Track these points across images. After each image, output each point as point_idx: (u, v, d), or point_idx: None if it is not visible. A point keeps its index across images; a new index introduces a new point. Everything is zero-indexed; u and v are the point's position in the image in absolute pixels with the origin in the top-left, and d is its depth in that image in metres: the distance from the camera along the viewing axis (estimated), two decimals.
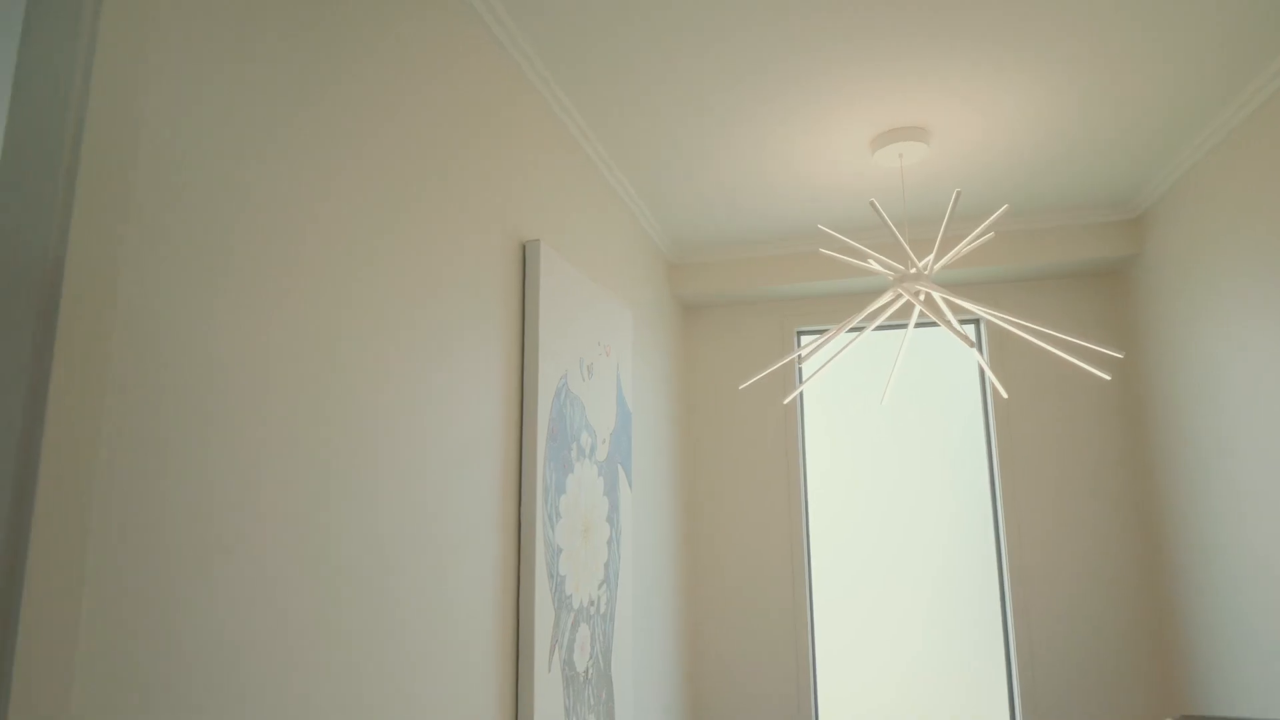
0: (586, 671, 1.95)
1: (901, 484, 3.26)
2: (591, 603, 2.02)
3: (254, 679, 0.91)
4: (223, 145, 0.92)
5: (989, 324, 3.13)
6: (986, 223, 2.05)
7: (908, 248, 2.12)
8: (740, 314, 3.56)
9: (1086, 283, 3.08)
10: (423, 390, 1.35)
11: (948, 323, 2.18)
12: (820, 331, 3.53)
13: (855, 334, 3.41)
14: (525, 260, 1.81)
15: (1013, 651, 2.93)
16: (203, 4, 0.90)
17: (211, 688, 0.85)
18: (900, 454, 3.29)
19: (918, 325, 3.30)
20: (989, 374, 2.26)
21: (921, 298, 2.12)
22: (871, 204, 2.00)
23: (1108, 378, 2.36)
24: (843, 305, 3.44)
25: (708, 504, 3.40)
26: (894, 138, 2.30)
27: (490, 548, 1.57)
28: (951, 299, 2.08)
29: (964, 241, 2.13)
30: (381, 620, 1.18)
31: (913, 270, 2.17)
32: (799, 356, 2.10)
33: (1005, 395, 2.31)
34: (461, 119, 1.56)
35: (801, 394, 3.50)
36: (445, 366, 1.43)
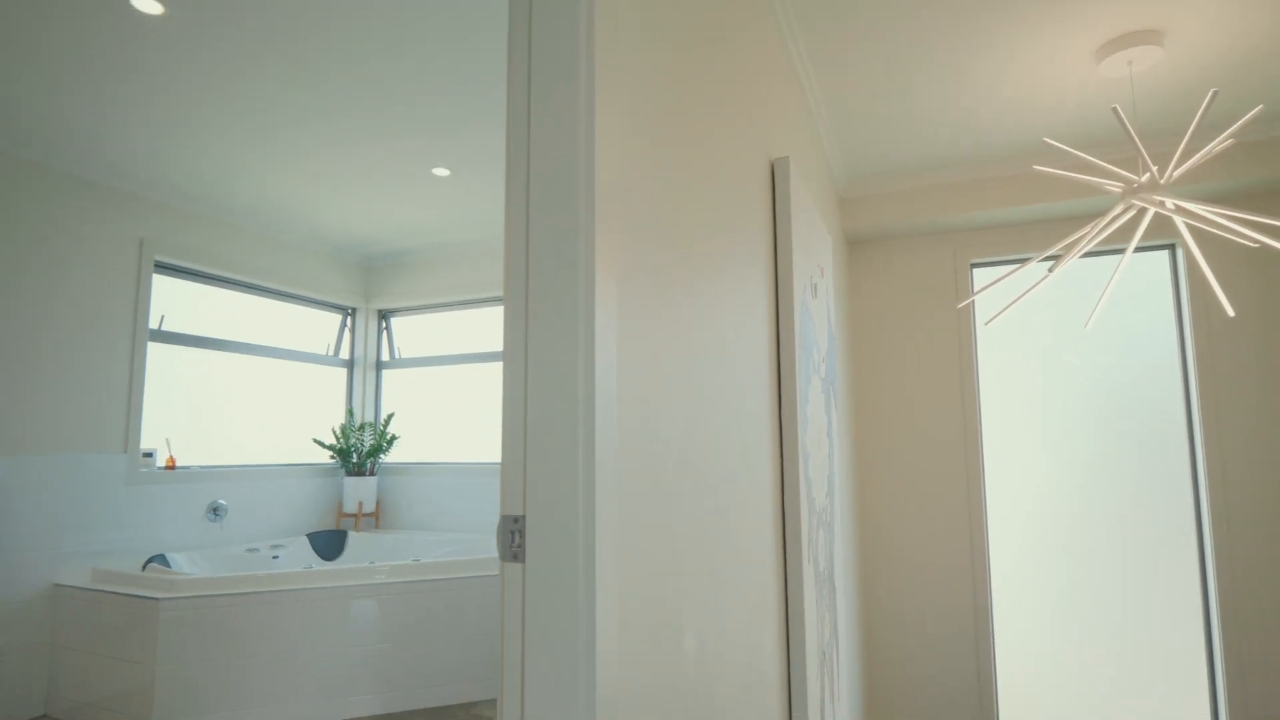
0: (822, 572, 2.06)
1: (1083, 421, 3.18)
2: (823, 509, 2.11)
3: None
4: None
5: (1208, 240, 2.97)
6: (1239, 123, 1.95)
7: (1146, 156, 2.05)
8: (908, 248, 3.52)
9: None
10: (726, 285, 1.44)
11: (1184, 240, 2.10)
12: (999, 263, 3.44)
13: (1048, 263, 3.30)
14: (774, 176, 1.87)
15: (1213, 607, 2.84)
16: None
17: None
18: (1082, 386, 3.20)
19: (1111, 251, 3.17)
20: (1217, 289, 2.17)
21: (1168, 208, 2.05)
22: (1114, 110, 1.94)
23: None
24: (1020, 235, 3.34)
25: (875, 444, 3.43)
26: (1124, 44, 2.20)
27: (766, 445, 1.67)
28: (1201, 208, 2.01)
29: (1214, 142, 2.03)
30: (716, 512, 1.30)
31: (1145, 178, 2.10)
32: (1050, 268, 2.08)
33: (1231, 313, 2.22)
34: (721, 44, 1.62)
35: (975, 330, 3.44)
36: (738, 262, 1.52)
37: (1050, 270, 1.95)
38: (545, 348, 0.83)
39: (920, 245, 3.50)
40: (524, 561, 0.81)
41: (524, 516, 0.81)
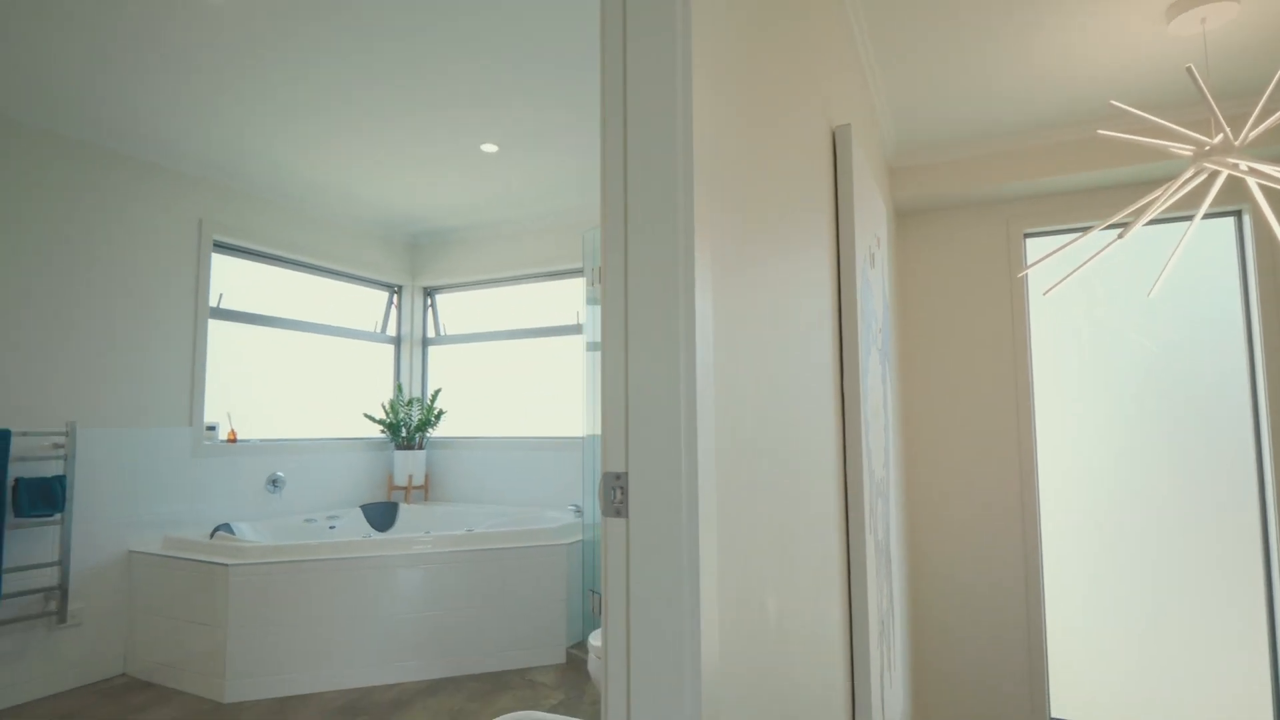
0: (881, 542, 2.07)
1: (1139, 394, 3.11)
2: (881, 480, 2.12)
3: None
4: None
5: None
6: None
7: (1220, 117, 1.98)
8: (958, 219, 3.45)
9: None
10: (794, 254, 1.44)
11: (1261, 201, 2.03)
12: (1055, 233, 3.36)
13: (1111, 231, 3.22)
14: (836, 144, 1.86)
15: (1276, 590, 2.78)
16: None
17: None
18: (1138, 358, 3.13)
19: (1174, 218, 3.08)
20: None
21: (1242, 170, 1.99)
22: (1188, 70, 1.87)
23: None
24: (1078, 203, 3.25)
25: (924, 418, 3.40)
26: (1197, 0, 2.12)
27: (830, 415, 1.68)
28: (1277, 170, 1.94)
29: None
30: (789, 479, 1.31)
31: (1218, 140, 2.03)
32: (1119, 234, 2.03)
33: None
34: (785, 8, 1.60)
35: (1028, 302, 3.38)
36: (804, 231, 1.52)
37: (1120, 236, 1.90)
38: (646, 311, 0.84)
39: (971, 216, 3.44)
40: (627, 517, 0.84)
41: (626, 473, 0.84)
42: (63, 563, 3.01)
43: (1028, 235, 3.43)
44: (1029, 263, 3.40)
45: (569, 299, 4.62)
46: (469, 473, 4.68)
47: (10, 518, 2.90)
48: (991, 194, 3.27)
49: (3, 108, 2.94)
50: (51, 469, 3.05)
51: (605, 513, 0.85)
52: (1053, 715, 3.21)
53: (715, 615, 0.84)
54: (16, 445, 2.95)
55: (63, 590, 3.01)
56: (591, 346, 3.88)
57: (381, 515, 4.36)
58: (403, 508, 4.46)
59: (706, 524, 0.81)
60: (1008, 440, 3.24)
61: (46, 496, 2.93)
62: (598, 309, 3.89)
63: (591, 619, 3.54)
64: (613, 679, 0.83)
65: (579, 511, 4.14)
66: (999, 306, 3.34)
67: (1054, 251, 2.23)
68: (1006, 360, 3.30)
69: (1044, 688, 3.07)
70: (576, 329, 4.52)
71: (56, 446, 3.07)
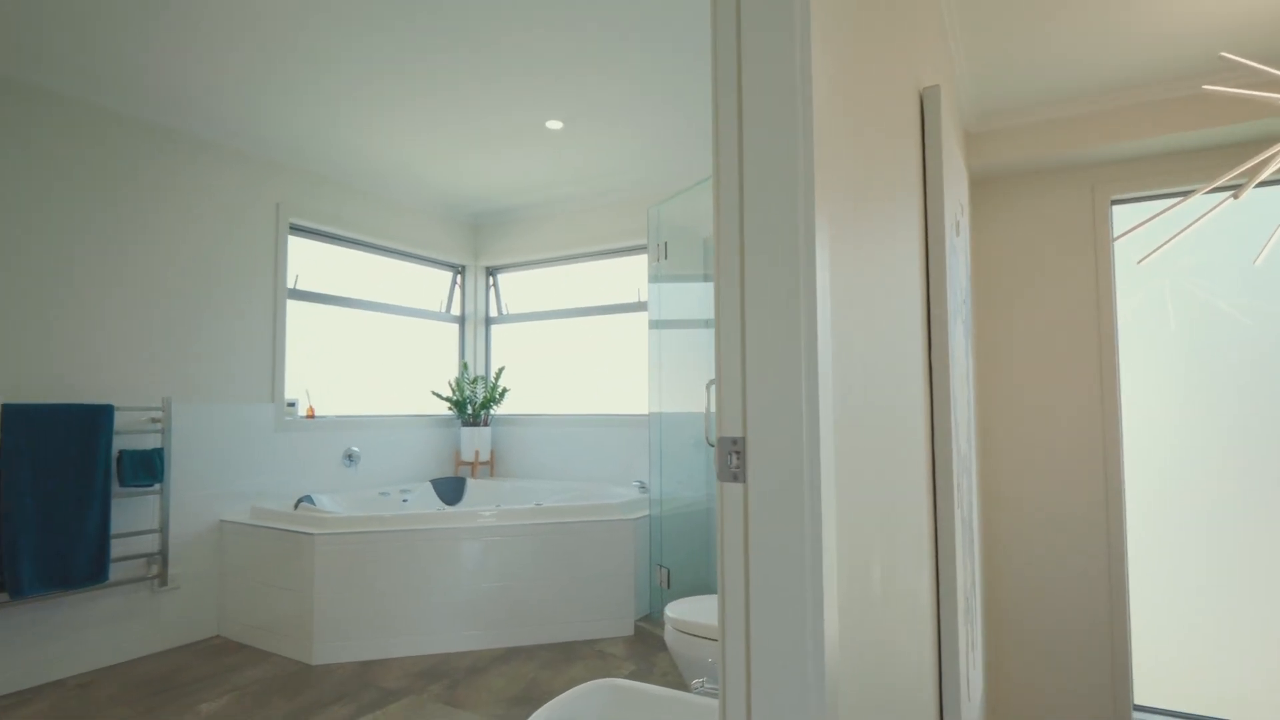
0: (965, 518, 2.02)
1: (1237, 372, 2.93)
2: (965, 455, 2.06)
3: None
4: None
5: None
6: None
7: None
8: (1038, 186, 3.30)
9: None
10: (888, 219, 1.40)
11: None
12: (1147, 198, 3.18)
13: (1213, 196, 3.03)
14: (923, 105, 1.79)
15: None
16: None
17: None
18: (1237, 333, 2.94)
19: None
20: None
21: None
22: None
23: None
24: (1172, 166, 3.06)
25: (999, 394, 3.29)
26: None
27: (919, 385, 1.64)
28: None
29: None
30: (889, 448, 1.28)
31: None
32: (1234, 194, 1.91)
33: None
34: None
35: (1114, 272, 3.21)
36: (896, 196, 1.47)
37: (1235, 196, 1.78)
38: (764, 273, 0.83)
39: (1052, 183, 3.28)
40: (745, 481, 0.83)
41: (744, 438, 0.83)
42: (163, 530, 3.19)
43: (1115, 202, 3.25)
44: (1117, 232, 3.24)
45: (631, 276, 4.61)
46: (533, 449, 4.76)
47: (116, 487, 3.08)
48: (1076, 158, 3.11)
49: (102, 99, 3.08)
50: (150, 442, 3.22)
51: (721, 477, 0.85)
52: (1136, 703, 3.10)
53: (835, 582, 0.83)
54: (118, 419, 3.12)
55: (163, 556, 3.19)
56: (655, 324, 3.87)
57: (450, 489, 4.47)
58: (470, 482, 4.56)
59: (828, 490, 0.80)
60: (1090, 419, 3.11)
61: (147, 467, 3.10)
62: (660, 286, 3.88)
63: (660, 592, 3.57)
64: (730, 646, 0.83)
65: (644, 488, 4.16)
66: (1081, 278, 3.19)
67: (1153, 217, 2.11)
68: (1090, 334, 3.16)
69: (1127, 676, 2.97)
70: (639, 306, 4.52)
71: (154, 421, 3.25)
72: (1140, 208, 3.28)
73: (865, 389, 1.11)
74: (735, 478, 0.84)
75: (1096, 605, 3.04)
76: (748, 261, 0.83)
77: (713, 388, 3.62)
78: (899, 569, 1.30)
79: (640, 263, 4.57)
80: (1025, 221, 3.33)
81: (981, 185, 3.40)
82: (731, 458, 0.84)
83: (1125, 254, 3.28)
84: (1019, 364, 3.28)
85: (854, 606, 0.94)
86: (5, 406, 2.71)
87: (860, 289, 1.13)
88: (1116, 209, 3.28)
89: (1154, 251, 2.23)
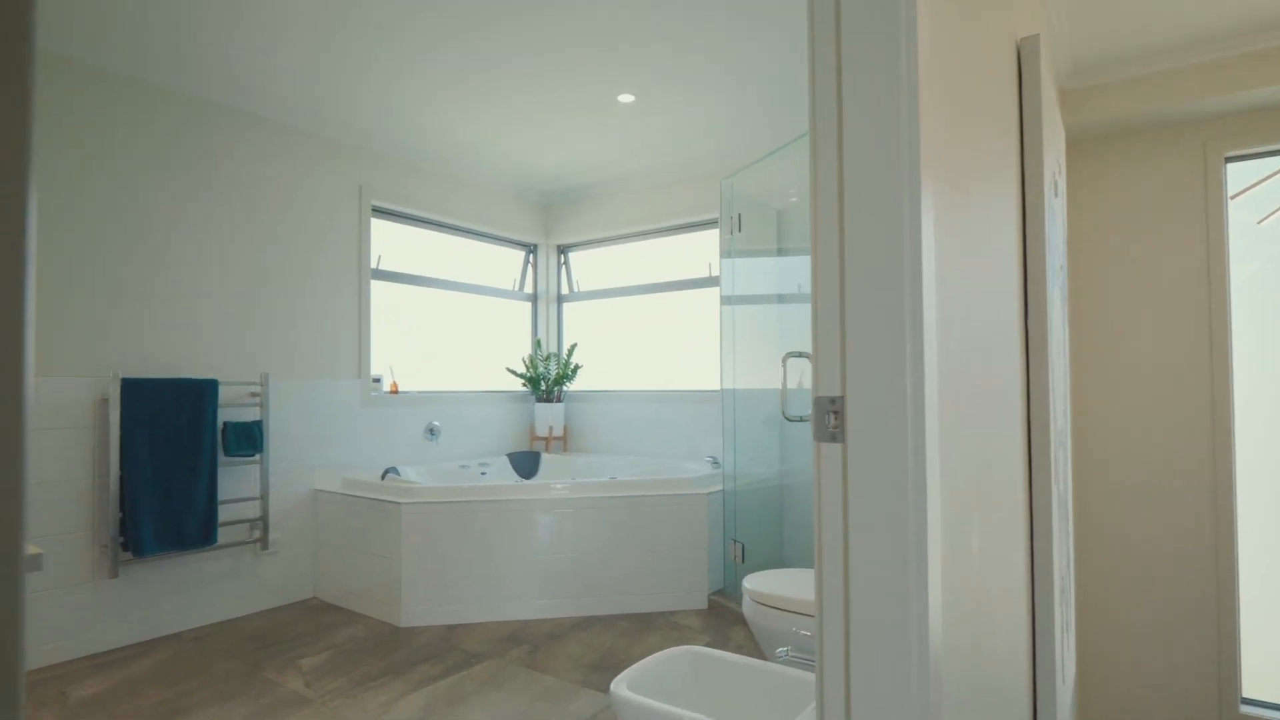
0: (1061, 496, 1.93)
1: None
2: (1061, 430, 1.96)
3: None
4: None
5: None
6: None
7: None
8: (1140, 144, 3.07)
9: None
10: (986, 177, 1.33)
11: None
12: (1269, 154, 2.92)
13: None
14: (1021, 57, 1.69)
15: None
16: None
17: None
18: None
19: None
20: None
21: None
22: None
23: None
24: None
25: (1093, 365, 3.10)
26: None
27: (1016, 353, 1.56)
28: None
29: None
30: (986, 416, 1.23)
31: None
32: None
33: None
34: None
35: (1227, 237, 2.97)
36: (994, 154, 1.40)
37: None
38: (864, 226, 0.80)
39: (1157, 140, 3.05)
40: (844, 442, 0.81)
41: (842, 398, 0.81)
42: (263, 497, 3.40)
43: (1230, 159, 3.00)
44: (1232, 191, 2.99)
45: (703, 251, 4.57)
46: (605, 425, 4.81)
47: (221, 457, 3.30)
48: (1184, 113, 2.88)
49: (196, 89, 3.25)
50: (249, 414, 3.42)
51: (819, 437, 0.83)
52: (1244, 695, 2.91)
53: (940, 550, 0.80)
54: (220, 393, 3.33)
55: (264, 522, 3.40)
56: (727, 299, 3.83)
57: (526, 463, 4.58)
58: (545, 457, 4.66)
59: (931, 451, 0.78)
60: (1197, 395, 2.90)
61: (248, 438, 3.30)
62: (733, 261, 3.83)
63: (733, 567, 3.58)
64: (828, 616, 0.81)
65: (716, 463, 4.15)
66: (1190, 242, 2.96)
67: (1274, 174, 1.93)
68: (1199, 302, 2.94)
69: (1235, 666, 2.79)
70: (711, 281, 4.48)
71: (253, 395, 3.44)
72: (1258, 165, 3.02)
73: (963, 351, 1.07)
74: (833, 438, 0.82)
75: (1202, 590, 2.86)
76: (847, 215, 0.81)
77: (790, 360, 3.57)
78: (996, 543, 1.25)
79: (712, 237, 4.52)
80: (1127, 182, 3.11)
81: (1078, 145, 3.20)
82: (829, 417, 0.82)
83: (1240, 215, 3.03)
84: (1119, 334, 3.09)
85: (954, 577, 0.92)
86: (123, 381, 2.93)
87: (957, 250, 1.08)
88: (1231, 167, 3.03)
89: (1276, 211, 2.04)
